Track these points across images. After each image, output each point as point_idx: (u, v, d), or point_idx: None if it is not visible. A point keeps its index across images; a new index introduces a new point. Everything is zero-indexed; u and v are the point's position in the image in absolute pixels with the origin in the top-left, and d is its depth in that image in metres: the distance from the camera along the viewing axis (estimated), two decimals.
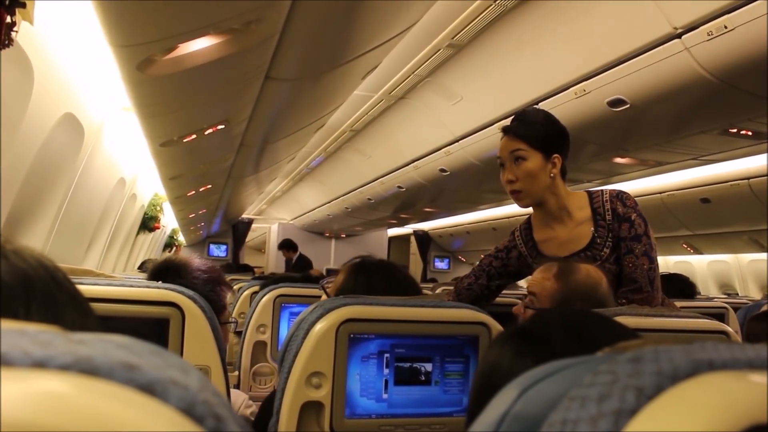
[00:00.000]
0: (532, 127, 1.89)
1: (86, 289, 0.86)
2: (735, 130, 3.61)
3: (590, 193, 1.93)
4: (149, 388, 0.28)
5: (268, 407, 1.47)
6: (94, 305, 0.61)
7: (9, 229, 3.13)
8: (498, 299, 2.36)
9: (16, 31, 1.63)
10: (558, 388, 0.41)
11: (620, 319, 1.23)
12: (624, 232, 1.84)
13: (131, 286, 1.25)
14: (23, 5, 1.55)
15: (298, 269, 7.99)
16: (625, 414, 0.32)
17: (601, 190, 1.92)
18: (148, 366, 0.29)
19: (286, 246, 8.93)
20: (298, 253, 8.88)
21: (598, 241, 1.87)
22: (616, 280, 1.86)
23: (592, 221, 1.89)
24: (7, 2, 1.49)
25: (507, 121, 4.44)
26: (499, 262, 2.09)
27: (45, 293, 0.55)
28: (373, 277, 1.52)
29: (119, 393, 0.27)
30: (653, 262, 1.83)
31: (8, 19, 1.55)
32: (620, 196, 1.88)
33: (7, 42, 1.59)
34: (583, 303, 1.45)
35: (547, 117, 1.95)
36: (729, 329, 1.43)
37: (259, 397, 2.03)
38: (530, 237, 2.03)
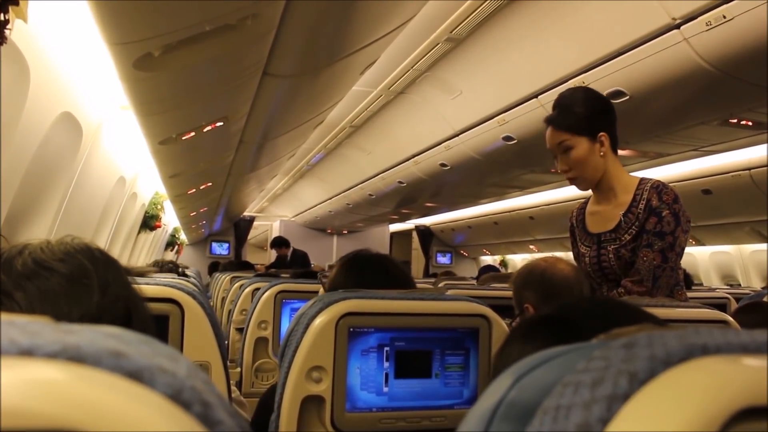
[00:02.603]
0: (573, 114, 1.90)
1: None
2: (735, 121, 3.60)
3: (639, 180, 1.95)
4: (137, 375, 0.28)
5: (267, 403, 1.48)
6: None
7: (8, 229, 3.13)
8: (497, 292, 2.36)
9: (10, 29, 1.63)
10: (553, 375, 0.40)
11: None
12: (650, 225, 1.85)
13: None
14: (16, 3, 1.55)
15: (295, 264, 7.91)
16: (618, 399, 0.32)
17: (648, 180, 1.93)
18: (136, 354, 0.29)
19: (278, 244, 8.78)
20: (292, 248, 8.77)
21: (623, 225, 1.90)
22: (628, 267, 1.89)
23: (627, 206, 1.92)
24: None
25: (507, 115, 4.42)
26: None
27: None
28: (365, 271, 1.51)
29: (106, 379, 0.27)
30: (667, 261, 1.83)
31: (1, 17, 1.54)
32: (659, 188, 1.89)
33: (0, 40, 1.59)
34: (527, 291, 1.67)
35: (587, 97, 1.95)
36: (729, 318, 1.44)
37: (261, 393, 2.03)
38: (583, 209, 2.09)
